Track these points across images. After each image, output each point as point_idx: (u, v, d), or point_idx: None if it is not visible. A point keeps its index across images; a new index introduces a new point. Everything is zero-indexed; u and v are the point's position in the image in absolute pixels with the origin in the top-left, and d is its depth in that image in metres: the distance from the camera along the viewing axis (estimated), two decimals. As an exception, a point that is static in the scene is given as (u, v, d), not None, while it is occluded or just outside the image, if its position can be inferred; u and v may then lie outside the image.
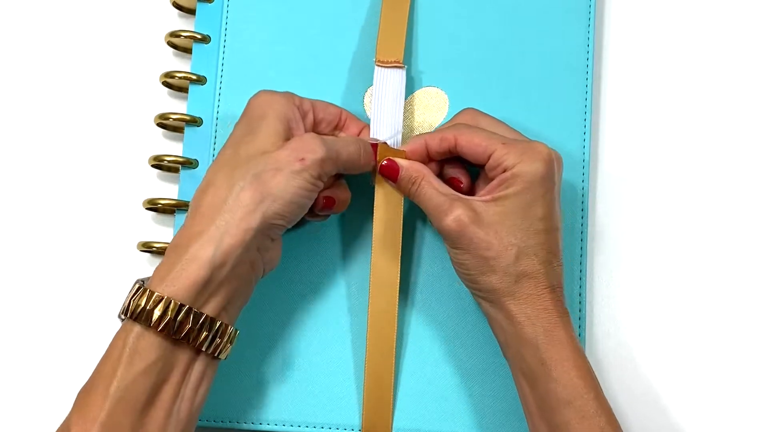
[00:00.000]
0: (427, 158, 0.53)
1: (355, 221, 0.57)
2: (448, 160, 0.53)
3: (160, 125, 0.59)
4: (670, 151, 0.60)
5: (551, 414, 0.47)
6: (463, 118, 0.53)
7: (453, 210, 0.49)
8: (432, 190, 0.51)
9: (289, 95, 0.51)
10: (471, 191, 0.53)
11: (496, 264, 0.48)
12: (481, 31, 0.59)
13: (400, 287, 0.54)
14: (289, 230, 0.51)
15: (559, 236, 0.50)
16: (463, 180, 0.53)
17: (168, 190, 0.60)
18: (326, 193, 0.52)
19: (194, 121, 0.59)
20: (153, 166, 0.59)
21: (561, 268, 0.50)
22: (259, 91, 0.51)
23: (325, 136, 0.50)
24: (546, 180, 0.49)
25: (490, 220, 0.49)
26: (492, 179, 0.50)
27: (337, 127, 0.54)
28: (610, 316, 0.58)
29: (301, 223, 0.55)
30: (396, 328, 0.55)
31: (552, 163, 0.49)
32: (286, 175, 0.47)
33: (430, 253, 0.57)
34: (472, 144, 0.51)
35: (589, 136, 0.58)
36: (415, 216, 0.57)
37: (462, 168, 0.54)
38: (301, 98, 0.52)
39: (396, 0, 0.58)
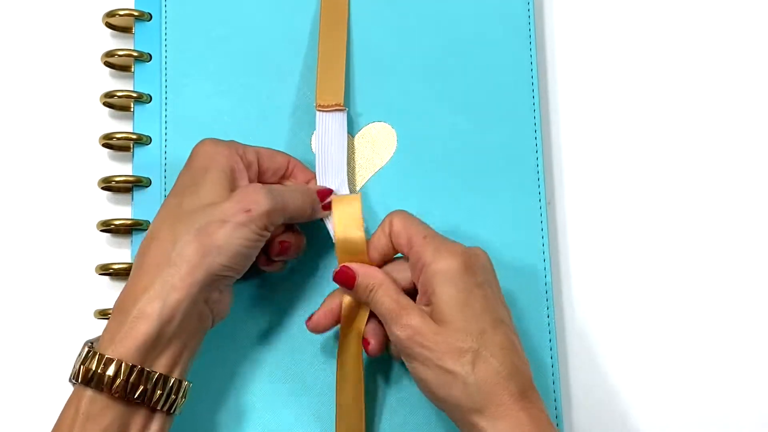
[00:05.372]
0: (391, 247, 0.51)
1: (310, 269, 0.57)
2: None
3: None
4: (624, 158, 0.62)
5: None
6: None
7: (402, 317, 0.47)
8: (386, 297, 0.48)
9: (232, 145, 0.51)
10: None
11: (453, 378, 0.45)
12: (421, 62, 0.59)
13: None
14: (241, 280, 0.50)
15: (509, 331, 0.47)
16: (372, 341, 0.51)
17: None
18: (282, 238, 0.52)
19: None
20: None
21: (527, 367, 0.47)
22: (203, 140, 0.51)
23: (271, 186, 0.50)
24: (465, 275, 0.47)
25: (435, 328, 0.46)
26: (416, 279, 0.49)
27: (285, 176, 0.54)
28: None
29: (256, 273, 0.54)
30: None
31: (468, 259, 0.47)
32: (231, 227, 0.47)
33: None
34: (404, 230, 0.50)
35: (541, 153, 0.59)
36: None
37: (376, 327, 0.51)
38: (245, 147, 0.51)
39: (332, 41, 0.58)
